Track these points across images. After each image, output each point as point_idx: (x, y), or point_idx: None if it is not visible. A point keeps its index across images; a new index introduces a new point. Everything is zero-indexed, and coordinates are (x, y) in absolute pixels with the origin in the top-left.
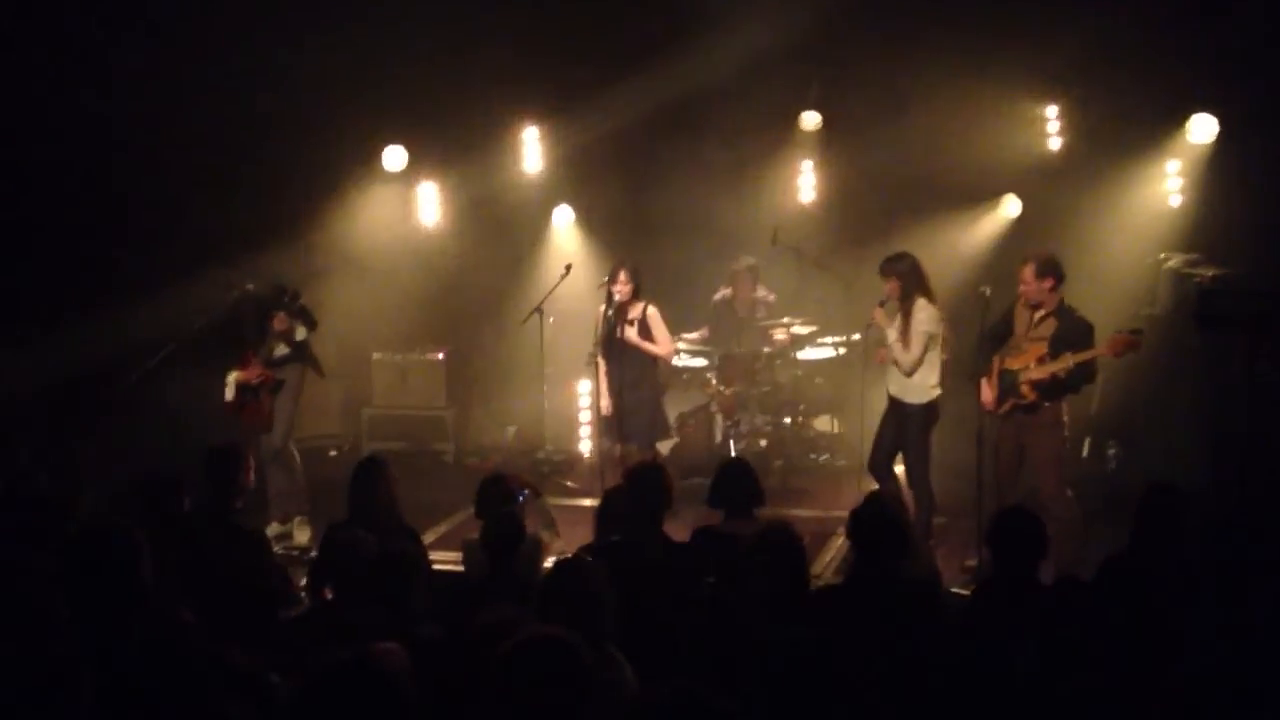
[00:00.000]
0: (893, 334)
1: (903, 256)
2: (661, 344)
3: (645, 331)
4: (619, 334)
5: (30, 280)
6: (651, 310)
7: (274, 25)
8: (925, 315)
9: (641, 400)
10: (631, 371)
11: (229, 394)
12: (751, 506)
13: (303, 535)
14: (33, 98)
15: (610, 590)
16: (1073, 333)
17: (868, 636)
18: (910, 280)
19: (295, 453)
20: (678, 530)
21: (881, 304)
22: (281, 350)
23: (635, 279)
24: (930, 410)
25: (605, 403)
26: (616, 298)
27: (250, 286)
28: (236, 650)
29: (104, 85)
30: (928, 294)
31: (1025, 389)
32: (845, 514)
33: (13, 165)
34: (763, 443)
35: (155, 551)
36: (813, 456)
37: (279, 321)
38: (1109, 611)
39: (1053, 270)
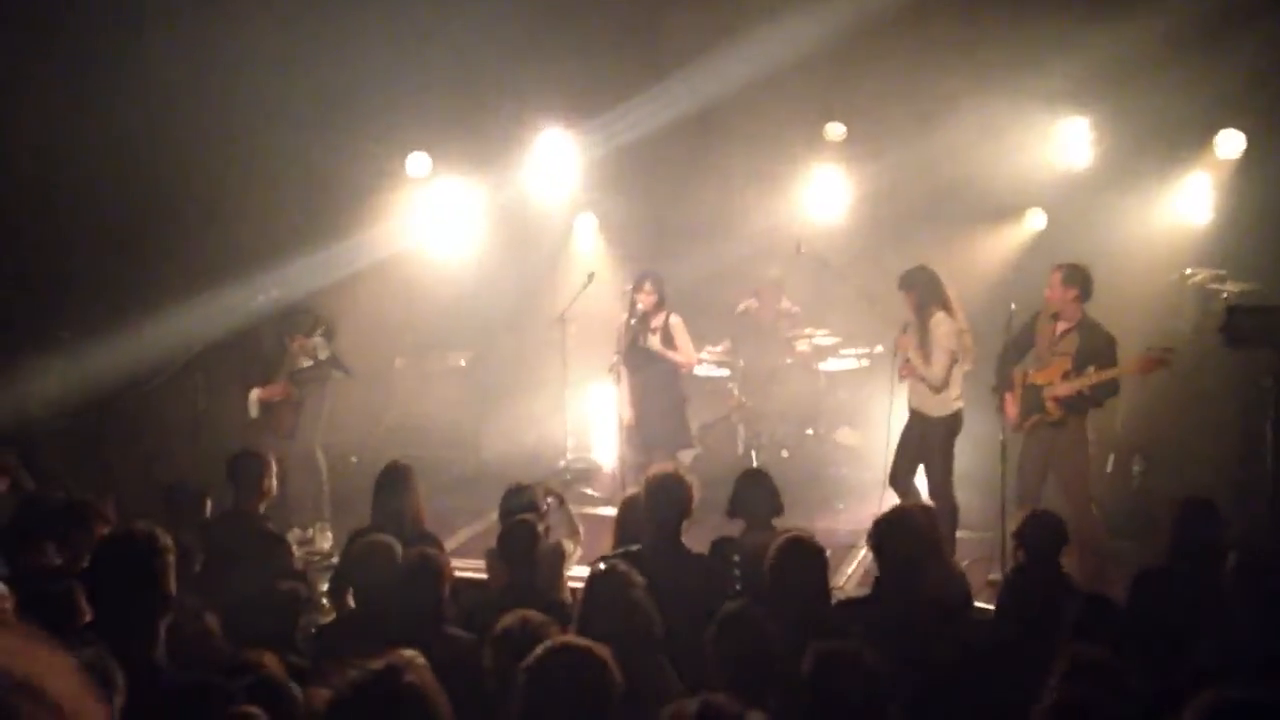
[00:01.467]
0: (914, 353)
1: (919, 270)
2: (684, 353)
3: (668, 341)
4: (642, 342)
5: (62, 291)
6: (675, 320)
7: (300, 33)
8: (945, 329)
9: (663, 409)
10: (654, 380)
11: (253, 412)
12: (770, 517)
13: (324, 541)
14: (67, 111)
15: (649, 597)
16: (1096, 347)
17: (892, 650)
18: (926, 293)
19: (322, 459)
20: (699, 540)
21: (905, 329)
22: (305, 363)
23: (659, 289)
24: (953, 422)
25: (627, 411)
26: (640, 307)
27: (275, 293)
28: (260, 657)
29: (137, 96)
30: (946, 306)
31: (1050, 405)
32: (866, 526)
33: (45, 179)
34: (784, 454)
35: (180, 556)
36: (834, 468)
37: (298, 344)
38: (1142, 626)
39: (1080, 281)
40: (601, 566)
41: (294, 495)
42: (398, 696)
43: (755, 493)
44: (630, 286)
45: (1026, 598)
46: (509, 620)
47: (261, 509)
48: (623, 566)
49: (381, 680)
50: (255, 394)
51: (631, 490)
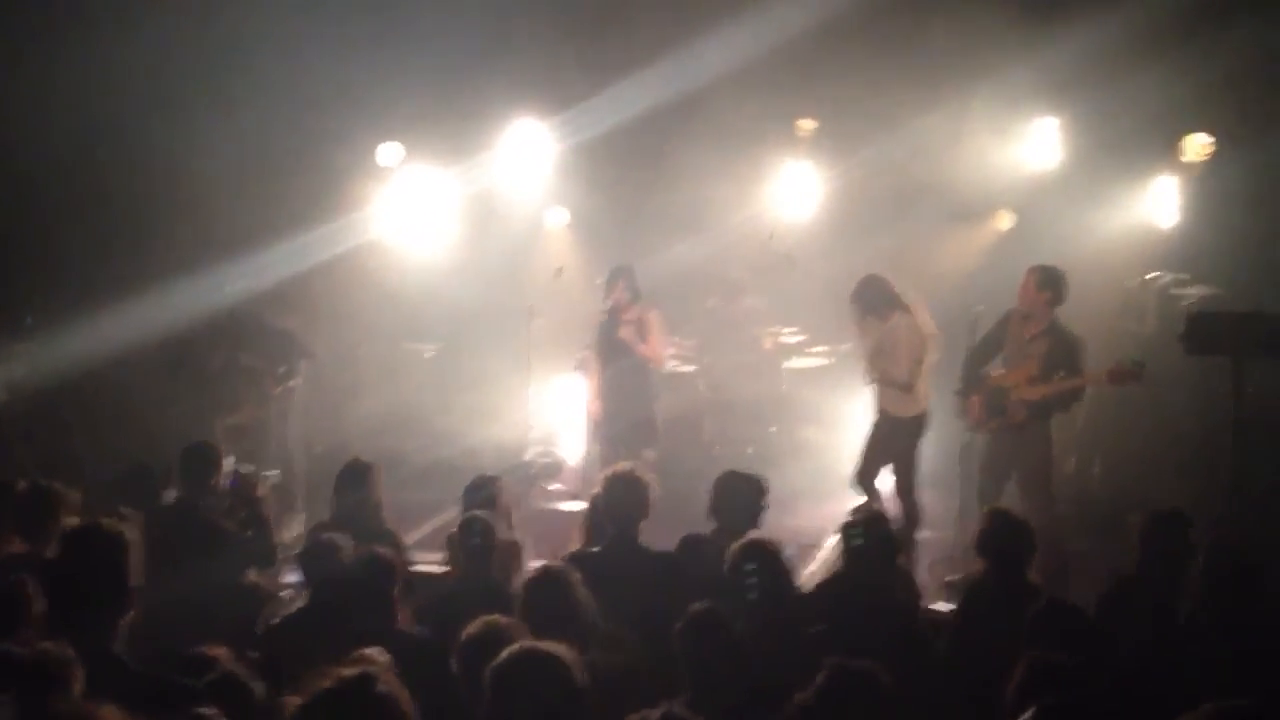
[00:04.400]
0: (868, 362)
1: (861, 282)
2: (653, 348)
3: (642, 334)
4: (616, 334)
5: (28, 277)
6: (654, 315)
7: (274, 20)
8: (904, 329)
9: (632, 405)
10: (624, 376)
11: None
12: (746, 523)
13: (289, 533)
14: (35, 97)
15: (588, 599)
16: (1064, 353)
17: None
18: (877, 302)
19: (296, 453)
20: (666, 537)
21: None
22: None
23: (632, 284)
24: (920, 422)
25: (595, 405)
26: (610, 303)
27: (241, 284)
28: (218, 653)
29: (108, 82)
30: (900, 306)
31: (1015, 408)
32: (829, 525)
33: (12, 166)
34: (749, 450)
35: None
36: (797, 465)
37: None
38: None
39: (1053, 285)
40: (537, 566)
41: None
42: (370, 707)
43: (736, 498)
44: (601, 280)
45: (990, 609)
46: (474, 627)
47: (208, 501)
48: (559, 568)
49: (354, 689)
50: (220, 426)
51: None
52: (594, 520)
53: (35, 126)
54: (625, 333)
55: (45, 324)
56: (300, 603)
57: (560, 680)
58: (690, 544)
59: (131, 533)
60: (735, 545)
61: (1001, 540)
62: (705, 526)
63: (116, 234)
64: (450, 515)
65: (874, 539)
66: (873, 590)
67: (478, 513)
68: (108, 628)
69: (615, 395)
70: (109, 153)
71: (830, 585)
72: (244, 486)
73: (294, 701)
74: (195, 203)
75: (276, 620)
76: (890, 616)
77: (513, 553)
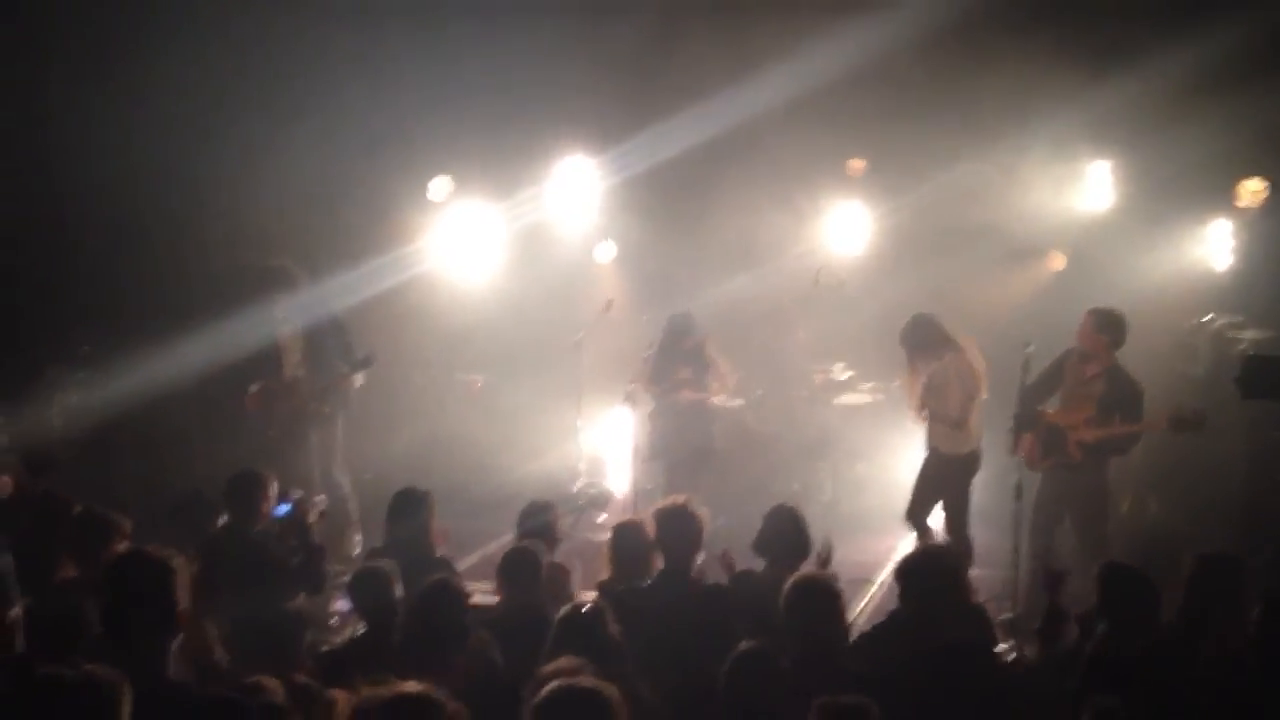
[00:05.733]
0: (913, 397)
1: (909, 323)
2: (724, 375)
3: (703, 361)
4: (676, 370)
5: (83, 305)
6: (710, 343)
7: (327, 53)
8: (956, 367)
9: (690, 433)
10: (682, 404)
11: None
12: (797, 558)
13: (354, 548)
14: (91, 129)
15: (620, 637)
16: (1122, 399)
17: (916, 695)
18: (926, 341)
19: (343, 479)
20: (715, 569)
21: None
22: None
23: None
24: (970, 461)
25: (649, 434)
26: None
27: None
28: (261, 681)
29: (162, 115)
30: (951, 345)
31: (1072, 448)
32: (881, 561)
33: (67, 193)
34: (796, 486)
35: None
36: (847, 502)
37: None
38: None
39: (1112, 329)
40: (573, 608)
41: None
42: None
43: (782, 531)
44: (648, 316)
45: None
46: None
47: (257, 527)
48: (589, 609)
49: (419, 705)
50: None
51: (625, 517)
52: (622, 551)
53: (95, 156)
54: (683, 373)
55: (102, 353)
56: (356, 630)
57: (598, 716)
58: (743, 580)
59: (177, 559)
60: (791, 581)
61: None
62: (750, 560)
63: (173, 267)
64: (497, 545)
65: (930, 575)
66: (932, 629)
67: (525, 542)
68: (158, 651)
69: (674, 422)
70: (167, 183)
71: (887, 625)
72: (295, 513)
73: (343, 698)
74: (252, 235)
75: (331, 646)
76: (958, 657)
77: (561, 578)
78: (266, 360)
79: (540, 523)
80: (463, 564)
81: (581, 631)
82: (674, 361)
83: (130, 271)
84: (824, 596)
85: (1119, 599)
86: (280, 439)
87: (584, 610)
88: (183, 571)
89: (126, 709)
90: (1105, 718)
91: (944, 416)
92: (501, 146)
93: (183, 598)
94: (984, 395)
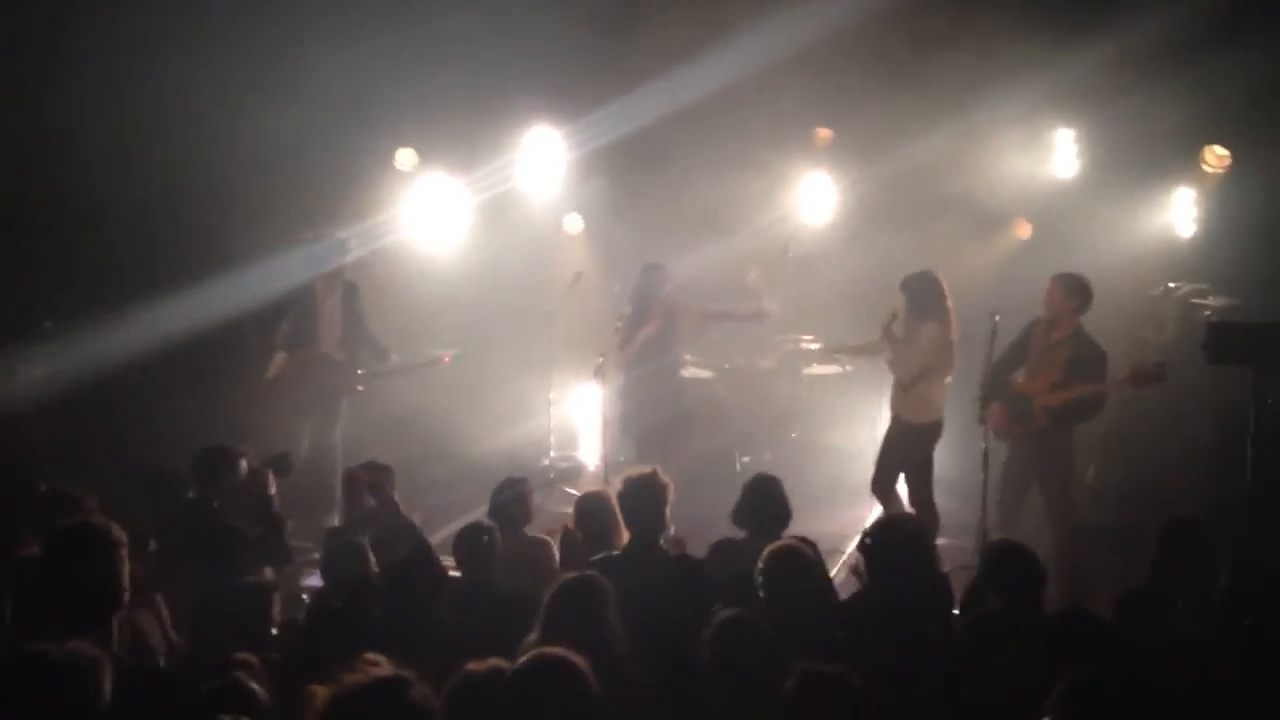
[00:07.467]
0: (890, 336)
1: (918, 276)
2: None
3: (673, 321)
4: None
5: (47, 279)
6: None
7: (291, 24)
8: (930, 338)
9: (662, 403)
10: (652, 375)
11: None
12: (777, 528)
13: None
14: (56, 99)
15: (614, 607)
16: (1087, 362)
17: (886, 657)
18: (920, 299)
19: (339, 453)
20: (693, 542)
21: (894, 317)
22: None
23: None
24: (932, 429)
25: (615, 408)
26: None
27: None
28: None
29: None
30: (939, 317)
31: (1038, 414)
32: (850, 531)
33: (33, 168)
34: (767, 456)
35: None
36: (816, 472)
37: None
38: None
39: (1079, 293)
40: (569, 577)
41: (303, 488)
42: (400, 711)
43: (763, 501)
44: (620, 287)
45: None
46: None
47: (216, 503)
48: (589, 578)
49: (386, 690)
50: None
51: (591, 489)
52: (587, 523)
53: (49, 124)
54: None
55: (65, 327)
56: (321, 602)
57: (570, 687)
58: (721, 549)
59: (119, 530)
60: (769, 549)
61: (1010, 574)
62: (724, 530)
63: (135, 237)
64: (468, 519)
65: (893, 543)
66: (900, 596)
67: (478, 521)
68: (99, 628)
69: (645, 394)
70: (126, 157)
71: (860, 595)
72: (253, 484)
73: (321, 692)
74: (212, 207)
75: (298, 620)
76: (922, 622)
77: (544, 553)
78: (300, 331)
79: (512, 496)
80: (434, 538)
81: (578, 604)
82: (644, 320)
83: (91, 246)
84: (802, 564)
85: (1003, 575)
86: (306, 409)
87: (581, 580)
88: (125, 544)
89: (108, 685)
90: (1083, 692)
91: (897, 371)
92: (469, 117)
93: (126, 571)
94: (949, 377)
